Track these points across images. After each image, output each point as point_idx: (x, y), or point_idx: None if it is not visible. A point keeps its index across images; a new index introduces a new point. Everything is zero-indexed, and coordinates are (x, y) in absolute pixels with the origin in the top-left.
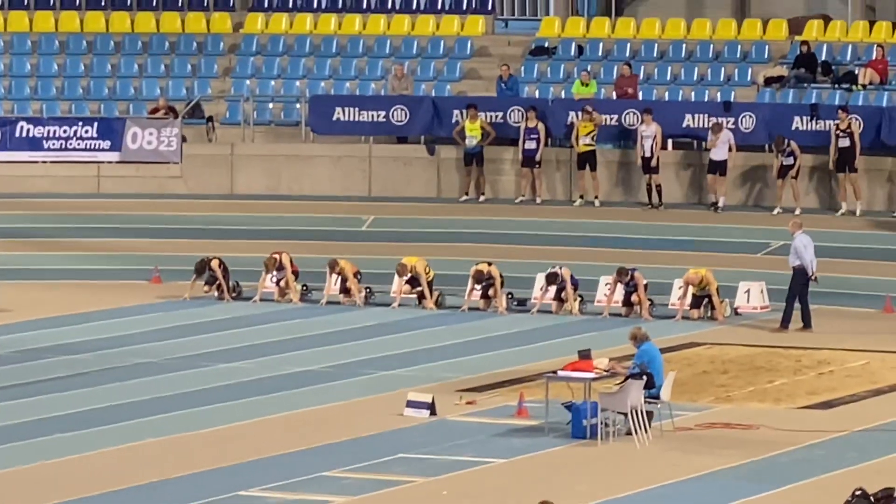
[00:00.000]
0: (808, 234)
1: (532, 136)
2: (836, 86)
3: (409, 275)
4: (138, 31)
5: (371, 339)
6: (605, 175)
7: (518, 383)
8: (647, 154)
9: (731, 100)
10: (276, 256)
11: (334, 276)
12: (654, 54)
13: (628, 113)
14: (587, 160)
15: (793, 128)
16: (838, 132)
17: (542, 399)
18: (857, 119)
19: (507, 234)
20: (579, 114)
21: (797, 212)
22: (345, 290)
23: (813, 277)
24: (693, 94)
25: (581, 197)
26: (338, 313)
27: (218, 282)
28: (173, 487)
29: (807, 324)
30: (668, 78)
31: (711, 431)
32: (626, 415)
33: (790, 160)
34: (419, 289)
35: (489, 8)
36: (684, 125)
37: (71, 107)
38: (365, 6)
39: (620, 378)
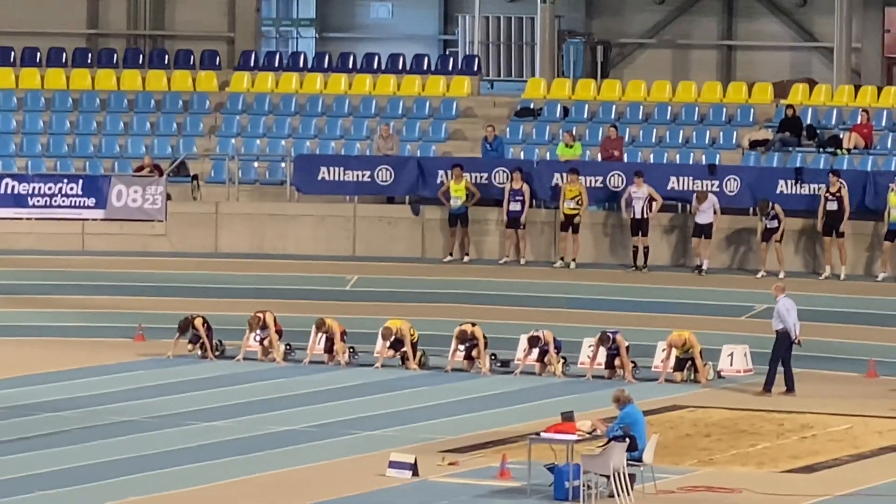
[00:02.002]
0: (791, 297)
1: (517, 197)
2: (821, 150)
3: (394, 337)
4: (124, 89)
5: (354, 399)
6: (590, 236)
7: (501, 444)
8: (638, 216)
9: (716, 163)
10: (260, 315)
11: (320, 334)
12: (640, 116)
13: (613, 175)
14: (570, 222)
15: (777, 191)
16: (827, 195)
17: (525, 460)
18: (843, 183)
19: (491, 295)
20: (565, 176)
21: (781, 275)
22: (329, 350)
23: (797, 341)
24: (678, 156)
25: (561, 259)
26: (321, 373)
27: (201, 340)
28: None
29: (790, 387)
30: (654, 140)
31: (694, 495)
32: (608, 477)
33: (774, 223)
34: (403, 350)
35: (475, 69)
36: (669, 188)
37: (56, 164)
38: (351, 66)
39: (603, 440)
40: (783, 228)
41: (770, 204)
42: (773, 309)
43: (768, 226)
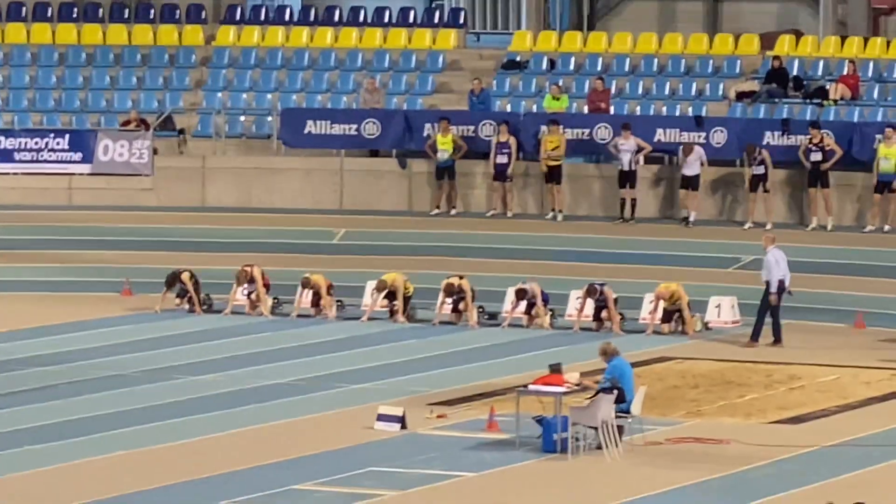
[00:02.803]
0: (780, 248)
1: (503, 150)
2: (808, 101)
3: (387, 290)
4: (110, 44)
5: (342, 353)
6: (577, 189)
7: (489, 397)
8: (626, 168)
9: (703, 114)
10: (248, 269)
11: (307, 291)
12: (626, 69)
13: (600, 127)
14: (553, 174)
15: (764, 142)
16: (811, 146)
17: (513, 413)
18: (829, 134)
19: (479, 248)
20: (544, 128)
21: (768, 227)
22: (316, 304)
23: (788, 291)
24: (665, 108)
25: (552, 210)
26: (309, 326)
27: (189, 294)
28: (142, 500)
29: (777, 338)
30: (640, 92)
31: (682, 446)
32: (596, 429)
33: (761, 169)
34: (395, 303)
35: (461, 22)
36: (656, 139)
37: (42, 119)
38: (337, 19)
39: (591, 392)
40: (771, 177)
41: (757, 148)
42: (762, 260)
43: (755, 172)
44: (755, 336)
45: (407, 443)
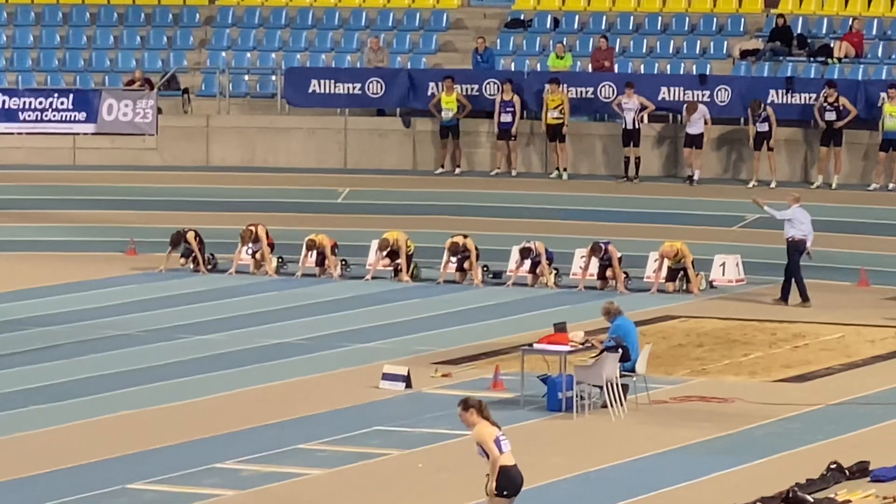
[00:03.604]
0: (803, 207)
1: (508, 108)
2: (812, 59)
3: (390, 249)
4: (114, 3)
5: (347, 312)
6: (580, 148)
7: (494, 356)
8: (629, 126)
9: (707, 73)
10: (252, 228)
11: (311, 251)
12: (630, 27)
13: (604, 85)
14: (556, 132)
15: (769, 101)
16: (826, 105)
17: (518, 372)
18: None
19: (483, 207)
20: (547, 87)
21: (772, 185)
22: (320, 264)
23: (807, 252)
24: (669, 66)
25: (557, 169)
26: (313, 286)
27: (193, 254)
28: (149, 459)
29: (804, 297)
30: (644, 51)
31: (687, 405)
32: (601, 388)
33: (765, 126)
34: (398, 262)
35: None
36: (660, 98)
37: (46, 78)
38: None
39: (596, 351)
40: (775, 134)
41: (761, 104)
42: (770, 218)
43: (759, 129)
44: (784, 295)
45: (412, 402)
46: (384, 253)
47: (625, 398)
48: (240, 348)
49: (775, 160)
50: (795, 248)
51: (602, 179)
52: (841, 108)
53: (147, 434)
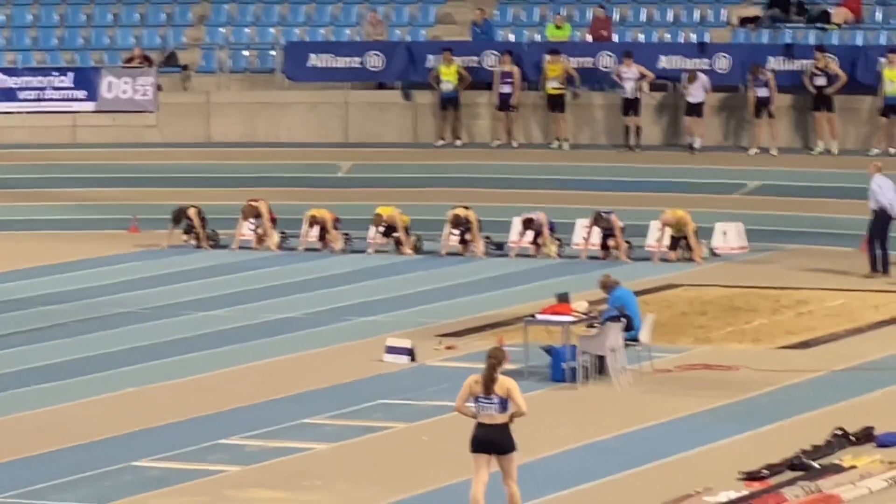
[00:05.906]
0: (888, 176)
1: (507, 80)
2: (811, 25)
3: (385, 224)
4: None
5: (349, 286)
6: (581, 117)
7: (497, 327)
8: (629, 96)
9: (706, 41)
10: (254, 204)
11: (313, 226)
12: None
13: (603, 55)
14: (557, 102)
15: (768, 68)
16: (815, 70)
17: (521, 343)
18: (833, 58)
19: (484, 178)
20: (546, 57)
21: (773, 152)
22: (322, 238)
23: (894, 218)
24: (668, 35)
25: (557, 140)
26: (316, 260)
27: (195, 230)
28: (154, 436)
29: (884, 269)
30: (643, 20)
31: (691, 373)
32: (604, 358)
33: (765, 91)
34: (396, 235)
35: None
36: (660, 67)
37: (46, 57)
38: None
39: (598, 321)
40: (775, 100)
41: (761, 68)
42: (772, 185)
43: (759, 94)
44: (874, 266)
45: (416, 374)
46: (379, 229)
47: (628, 367)
48: (243, 324)
49: (776, 127)
50: (879, 218)
51: (603, 149)
52: (831, 73)
53: (152, 411)
